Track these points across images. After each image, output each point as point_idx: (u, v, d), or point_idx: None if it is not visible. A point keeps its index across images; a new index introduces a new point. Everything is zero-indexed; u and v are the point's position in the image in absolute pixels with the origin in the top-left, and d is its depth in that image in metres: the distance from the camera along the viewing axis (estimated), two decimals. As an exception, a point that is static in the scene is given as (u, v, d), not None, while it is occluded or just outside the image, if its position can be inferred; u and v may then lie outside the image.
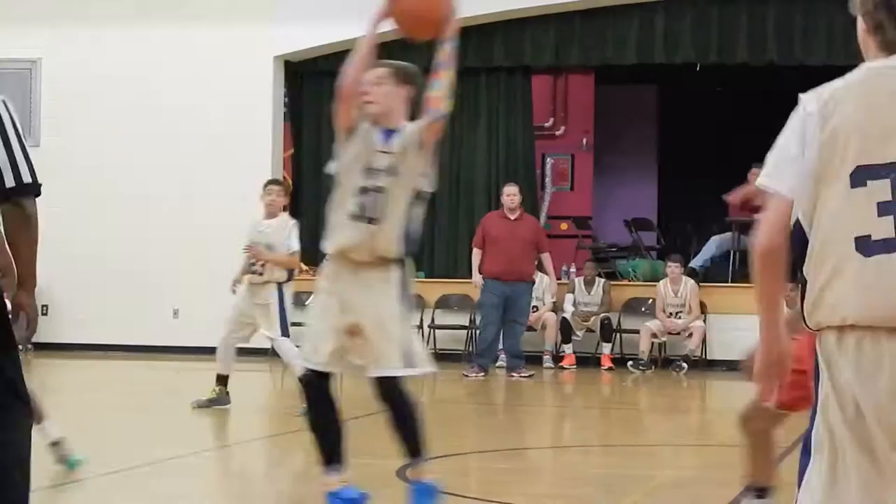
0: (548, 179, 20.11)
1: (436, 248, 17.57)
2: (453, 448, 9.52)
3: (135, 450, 9.22)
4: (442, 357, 16.52)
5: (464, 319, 16.78)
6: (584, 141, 20.38)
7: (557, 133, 20.40)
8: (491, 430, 11.43)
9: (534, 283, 15.66)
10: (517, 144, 17.81)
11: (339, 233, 6.27)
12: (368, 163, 6.23)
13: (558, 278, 16.48)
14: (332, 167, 6.37)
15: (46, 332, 16.81)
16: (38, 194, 4.67)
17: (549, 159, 20.18)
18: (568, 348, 16.43)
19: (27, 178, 4.58)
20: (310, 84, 17.71)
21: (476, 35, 16.97)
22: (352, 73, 6.26)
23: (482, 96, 17.65)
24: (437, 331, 16.77)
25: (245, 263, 11.44)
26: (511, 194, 15.40)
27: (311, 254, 17.59)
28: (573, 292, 16.69)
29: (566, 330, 16.39)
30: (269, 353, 13.21)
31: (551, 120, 20.26)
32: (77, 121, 17.22)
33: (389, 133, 6.27)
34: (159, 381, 14.65)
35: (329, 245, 6.35)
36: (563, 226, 19.59)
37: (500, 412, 13.37)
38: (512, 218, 15.31)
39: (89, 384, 14.29)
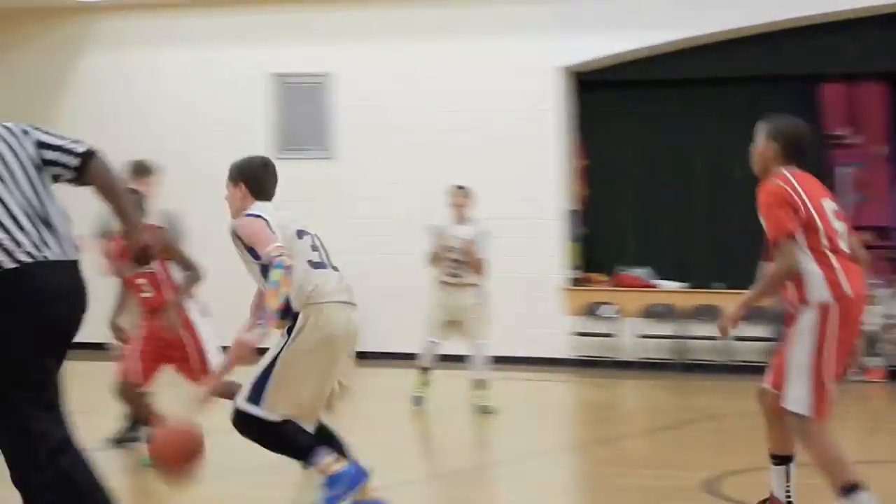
0: (844, 189, 19.60)
1: (736, 258, 17.23)
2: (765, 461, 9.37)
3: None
4: (745, 370, 16.12)
5: (768, 332, 16.39)
6: (881, 150, 19.82)
7: (852, 142, 19.88)
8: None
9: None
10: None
11: None
12: None
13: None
14: None
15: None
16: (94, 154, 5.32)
17: (843, 169, 19.70)
18: (875, 361, 15.95)
19: (81, 149, 5.30)
20: (597, 94, 17.70)
21: (761, 43, 16.70)
22: None
23: (768, 105, 17.24)
24: (742, 343, 16.44)
25: (439, 262, 12.25)
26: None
27: (605, 265, 17.70)
28: (881, 304, 16.17)
29: (872, 342, 15.92)
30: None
31: (844, 129, 19.76)
32: (368, 133, 17.59)
33: None
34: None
35: None
36: (864, 236, 19.02)
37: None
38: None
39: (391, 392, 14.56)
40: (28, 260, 5.06)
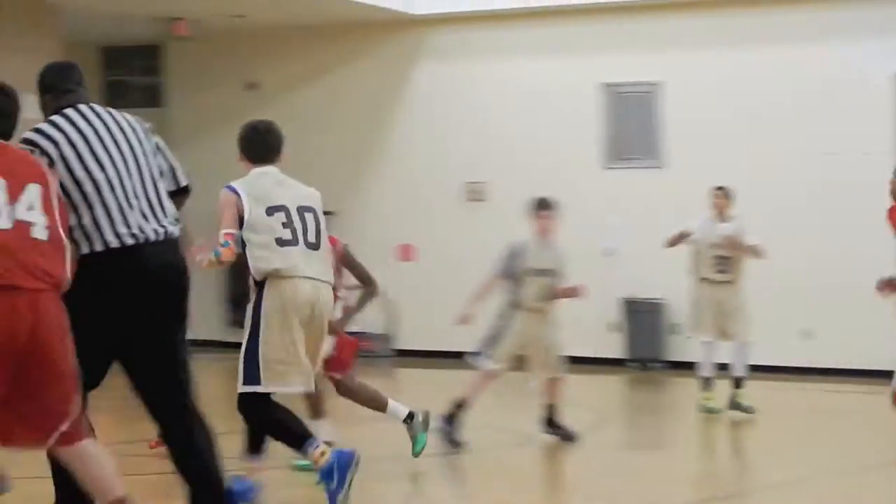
0: None
1: None
2: None
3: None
4: None
5: None
6: None
7: None
8: None
9: None
10: None
11: None
12: None
13: None
14: None
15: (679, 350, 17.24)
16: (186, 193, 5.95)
17: None
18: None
19: (183, 182, 5.90)
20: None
21: None
22: None
23: None
24: None
25: (710, 262, 12.38)
26: None
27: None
28: None
29: None
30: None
31: None
32: (698, 141, 17.46)
33: None
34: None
35: None
36: None
37: None
38: None
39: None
40: (131, 241, 5.55)
